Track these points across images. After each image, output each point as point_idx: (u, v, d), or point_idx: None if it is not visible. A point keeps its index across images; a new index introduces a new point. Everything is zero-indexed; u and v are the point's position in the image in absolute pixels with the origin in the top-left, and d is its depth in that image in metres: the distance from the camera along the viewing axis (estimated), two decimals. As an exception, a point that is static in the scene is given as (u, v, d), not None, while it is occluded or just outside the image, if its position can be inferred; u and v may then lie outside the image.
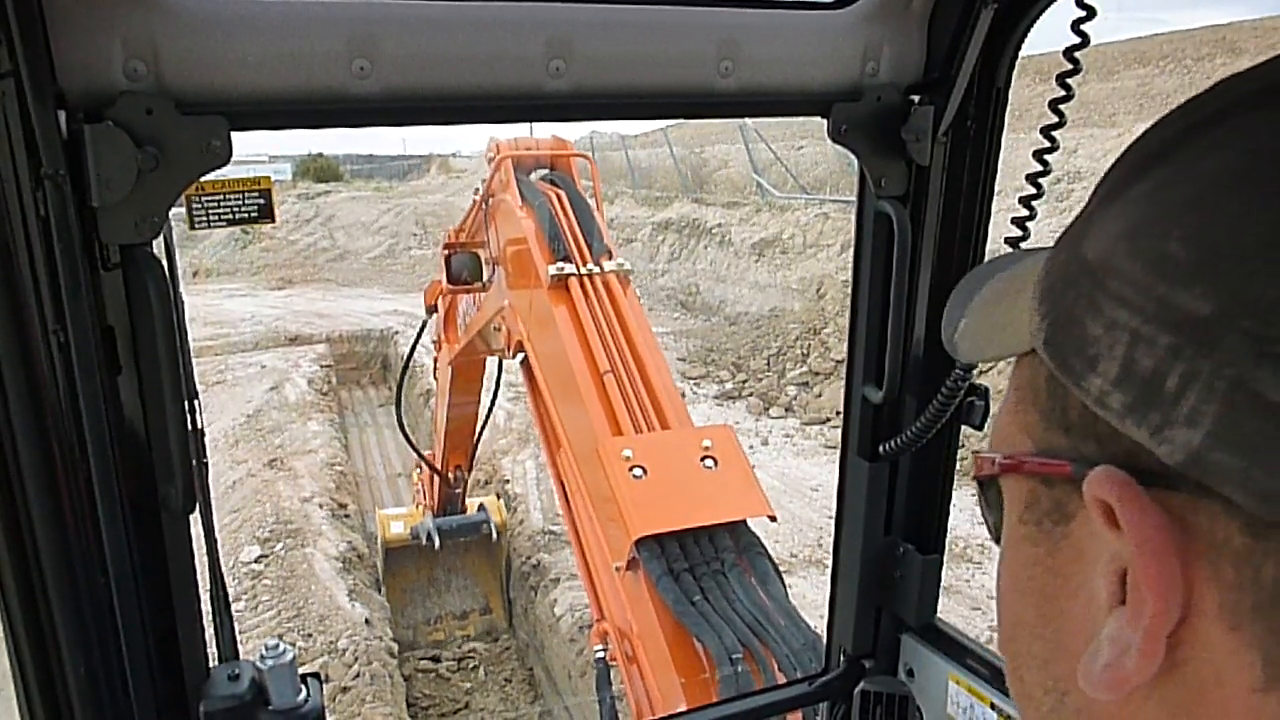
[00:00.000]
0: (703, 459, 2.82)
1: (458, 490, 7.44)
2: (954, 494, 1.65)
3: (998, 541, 0.50)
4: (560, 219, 3.96)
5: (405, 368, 6.43)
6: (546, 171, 4.68)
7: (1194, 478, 0.34)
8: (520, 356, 4.03)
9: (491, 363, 5.97)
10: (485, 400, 6.52)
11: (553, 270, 3.60)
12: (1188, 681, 0.37)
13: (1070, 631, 0.43)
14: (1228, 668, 0.35)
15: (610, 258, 3.79)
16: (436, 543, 7.42)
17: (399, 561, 8.56)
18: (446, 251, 4.87)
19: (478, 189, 4.90)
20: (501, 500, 8.95)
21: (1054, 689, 0.45)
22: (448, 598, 8.87)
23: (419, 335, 6.09)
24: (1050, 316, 0.42)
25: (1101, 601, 0.40)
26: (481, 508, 7.90)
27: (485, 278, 4.71)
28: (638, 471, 2.73)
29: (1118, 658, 0.38)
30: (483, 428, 6.62)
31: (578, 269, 3.65)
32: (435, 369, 6.99)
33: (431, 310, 6.13)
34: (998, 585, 0.50)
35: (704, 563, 2.62)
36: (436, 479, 7.37)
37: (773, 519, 2.80)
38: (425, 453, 7.14)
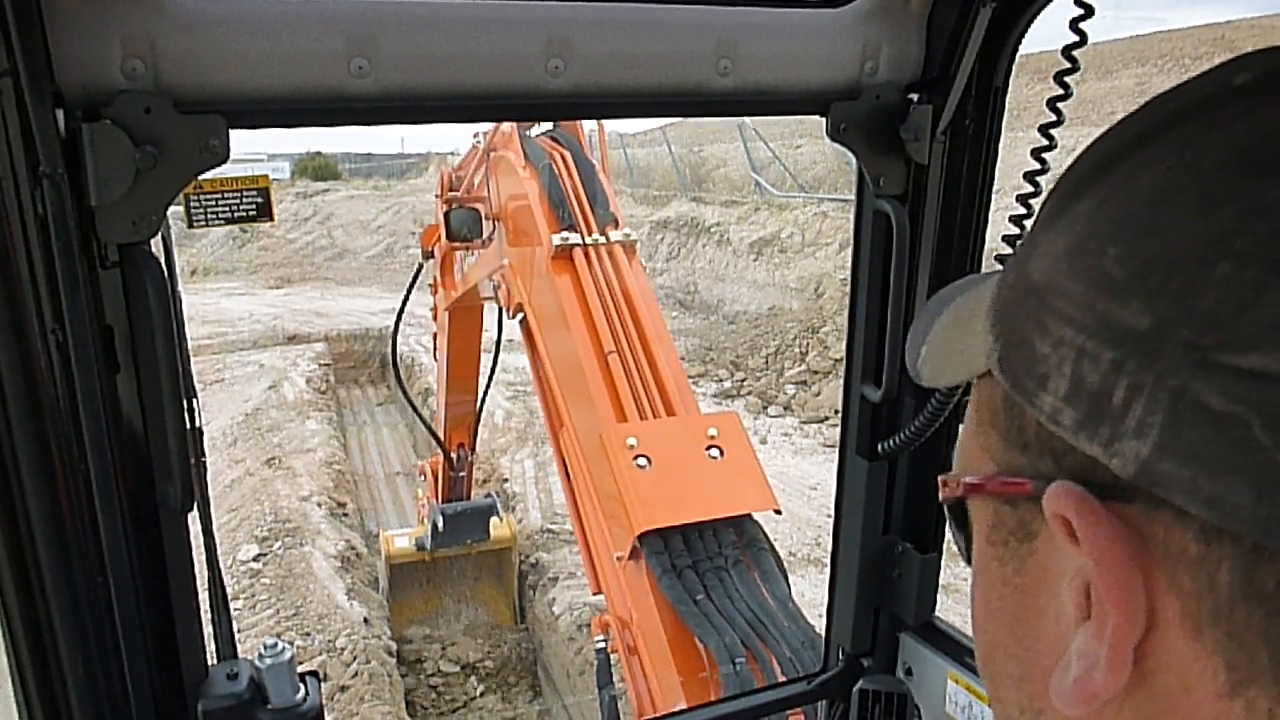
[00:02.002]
0: (708, 448, 2.78)
1: (462, 474, 7.12)
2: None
3: (969, 563, 0.51)
4: (565, 183, 3.78)
5: (402, 307, 5.67)
6: (550, 127, 4.48)
7: (1146, 488, 0.35)
8: (519, 316, 3.89)
9: (490, 325, 5.73)
10: (483, 378, 6.28)
11: (556, 240, 3.46)
12: (1156, 692, 0.37)
13: (1041, 649, 0.43)
14: (1192, 675, 0.36)
15: (616, 226, 3.62)
16: (440, 524, 6.97)
17: (405, 583, 8.12)
18: (445, 207, 4.66)
19: (477, 133, 4.76)
20: (509, 515, 8.59)
21: (1029, 707, 0.45)
22: (458, 629, 8.40)
23: (414, 279, 5.72)
24: (1002, 337, 0.43)
25: (1069, 617, 0.40)
26: (489, 495, 7.51)
27: (485, 234, 4.51)
28: (641, 461, 2.70)
29: (1086, 672, 0.38)
30: (484, 396, 6.32)
31: (582, 239, 3.50)
32: (435, 323, 6.71)
33: (428, 255, 5.87)
34: (972, 607, 0.50)
35: (707, 558, 2.59)
36: (441, 465, 7.13)
37: (777, 512, 2.77)
38: (428, 440, 6.91)
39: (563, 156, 3.96)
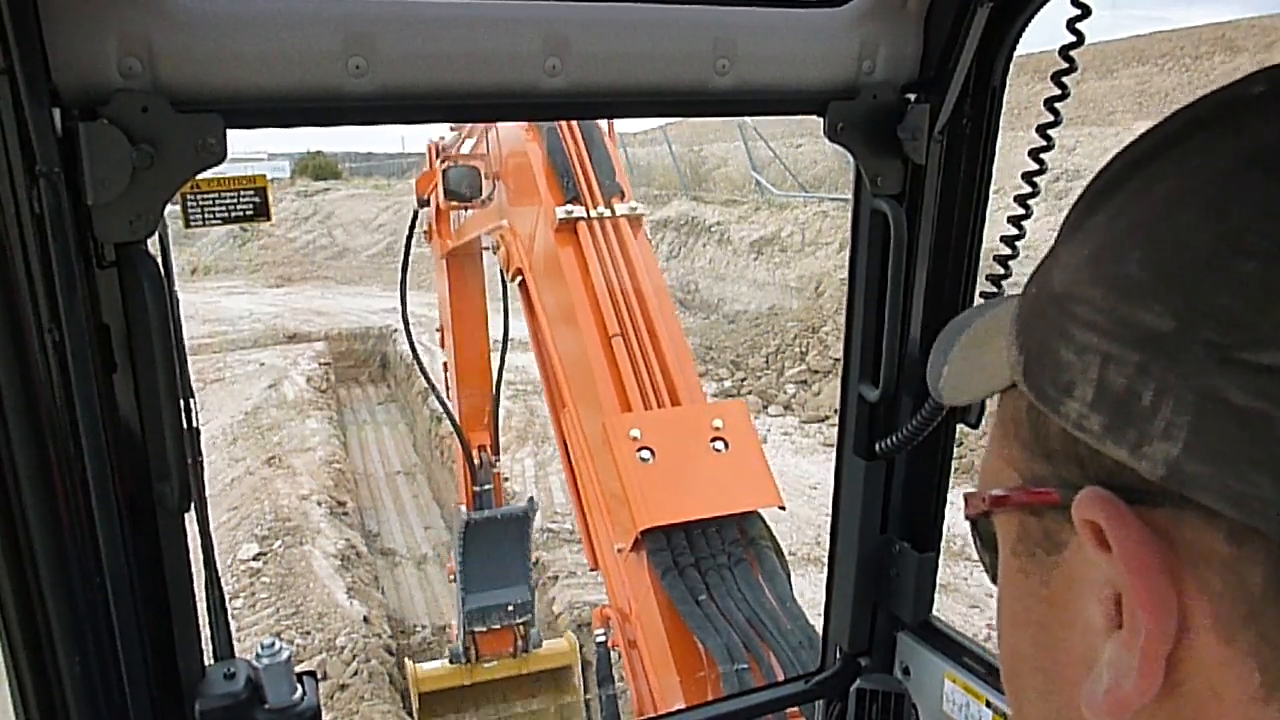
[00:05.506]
0: (713, 440, 2.73)
1: (488, 487, 5.94)
2: (950, 492, 1.65)
3: (995, 581, 0.51)
4: (569, 147, 3.61)
5: (405, 256, 5.40)
6: None
7: (1175, 491, 0.35)
8: (519, 280, 3.73)
9: (494, 326, 5.54)
10: (491, 361, 5.84)
11: (560, 214, 3.31)
12: (1188, 699, 0.37)
13: (1068, 661, 0.43)
14: (1225, 680, 0.35)
15: (623, 198, 3.47)
16: (466, 531, 5.44)
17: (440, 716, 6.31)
18: (444, 164, 4.46)
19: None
20: (570, 635, 6.77)
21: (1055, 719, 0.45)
22: None
23: (413, 225, 5.47)
24: (1026, 349, 0.44)
25: (1098, 627, 0.40)
26: (531, 500, 5.96)
27: (486, 193, 4.31)
28: (645, 454, 2.66)
29: (1117, 682, 0.38)
30: (499, 378, 5.68)
31: (587, 212, 3.35)
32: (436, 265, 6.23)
33: (424, 203, 5.57)
34: (998, 623, 0.50)
35: (709, 556, 2.57)
36: (465, 471, 6.02)
37: (781, 508, 2.73)
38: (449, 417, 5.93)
39: (568, 121, 3.74)
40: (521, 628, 5.78)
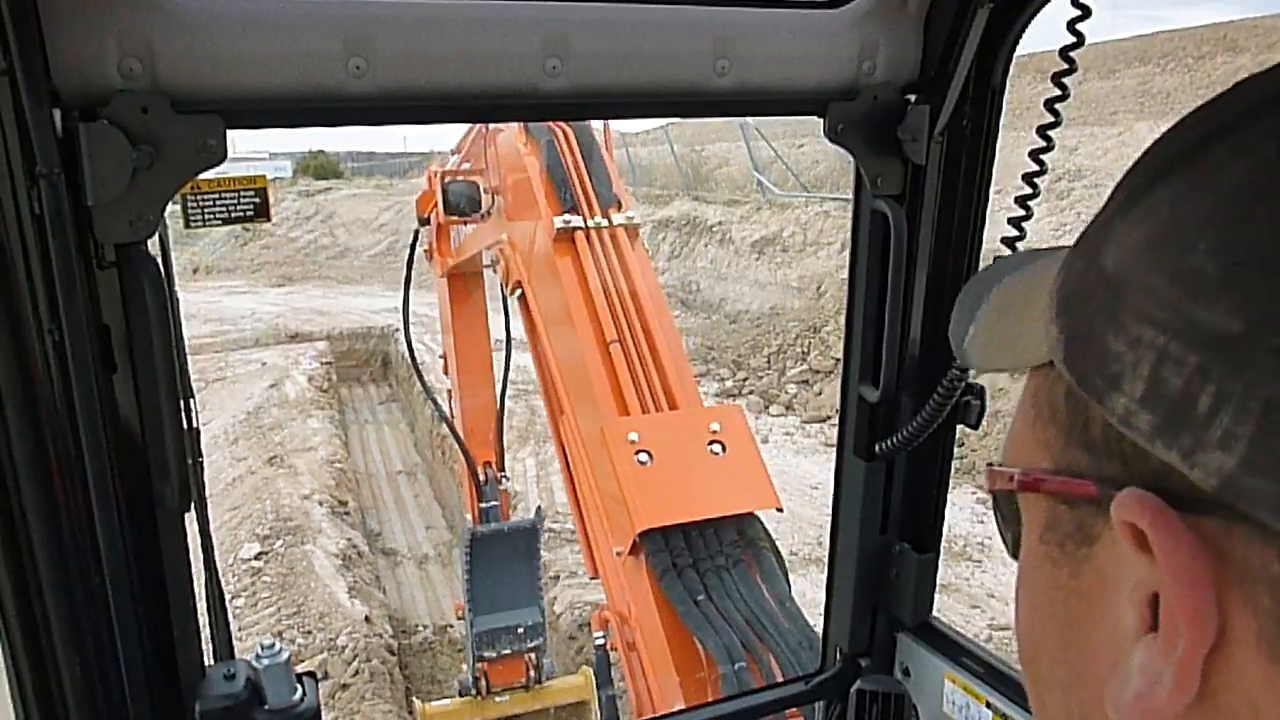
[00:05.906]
0: (710, 444, 2.75)
1: (495, 503, 5.85)
2: (951, 493, 1.65)
3: (1015, 557, 0.49)
4: (566, 160, 3.68)
5: (407, 277, 5.47)
6: None
7: (1228, 502, 0.33)
8: (518, 294, 3.78)
9: (497, 328, 5.47)
10: (497, 372, 5.72)
11: (558, 223, 3.36)
12: (1220, 712, 0.35)
13: (1093, 658, 0.41)
14: (1265, 699, 0.34)
15: (619, 209, 3.50)
16: (474, 531, 5.18)
17: None
18: (445, 180, 4.49)
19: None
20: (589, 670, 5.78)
21: (1077, 714, 0.44)
22: None
23: (414, 245, 5.50)
24: (1068, 329, 0.40)
25: (1127, 628, 0.38)
26: (538, 509, 5.66)
27: (485, 208, 4.35)
28: (643, 457, 2.67)
29: (1149, 688, 0.36)
30: (502, 399, 5.59)
31: (584, 221, 3.40)
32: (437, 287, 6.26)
33: (424, 221, 5.58)
34: (1017, 606, 0.49)
35: (708, 557, 2.58)
36: (470, 486, 5.94)
37: (779, 510, 2.75)
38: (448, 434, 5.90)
39: (564, 131, 3.80)
40: (533, 655, 5.40)
